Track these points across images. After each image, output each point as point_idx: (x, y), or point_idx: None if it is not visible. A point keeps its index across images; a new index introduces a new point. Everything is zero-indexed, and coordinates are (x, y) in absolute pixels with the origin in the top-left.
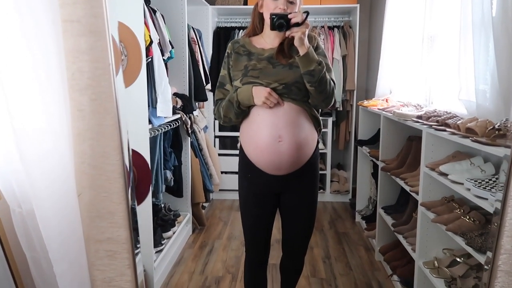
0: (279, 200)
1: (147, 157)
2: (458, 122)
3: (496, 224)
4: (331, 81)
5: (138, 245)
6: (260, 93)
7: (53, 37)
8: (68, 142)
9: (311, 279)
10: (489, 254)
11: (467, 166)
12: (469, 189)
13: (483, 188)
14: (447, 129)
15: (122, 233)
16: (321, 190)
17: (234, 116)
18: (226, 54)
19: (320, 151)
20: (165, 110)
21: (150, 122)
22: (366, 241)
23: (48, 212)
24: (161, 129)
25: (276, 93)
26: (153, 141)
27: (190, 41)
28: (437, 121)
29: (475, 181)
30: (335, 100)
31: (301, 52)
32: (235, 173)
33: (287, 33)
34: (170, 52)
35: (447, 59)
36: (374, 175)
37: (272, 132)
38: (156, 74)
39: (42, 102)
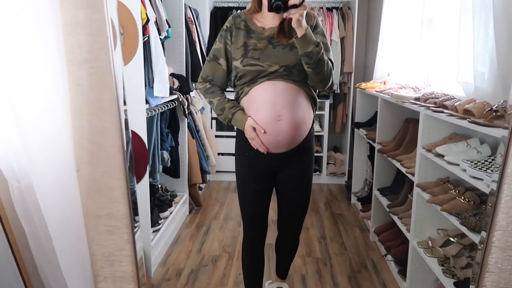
0: (275, 179)
1: (144, 137)
2: (456, 104)
3: (490, 205)
4: (329, 62)
5: (137, 220)
6: (248, 133)
7: (49, 9)
8: (67, 117)
9: (307, 258)
10: (484, 234)
11: (463, 148)
12: (464, 170)
13: (479, 169)
14: (445, 111)
15: (122, 208)
16: (317, 172)
17: (220, 119)
18: (224, 27)
19: (317, 133)
20: (162, 90)
21: (147, 102)
22: (361, 222)
23: (47, 188)
24: (158, 109)
25: (277, 75)
26: (150, 121)
27: (187, 21)
28: (435, 103)
29: (471, 162)
30: (332, 82)
31: (299, 33)
32: (232, 154)
33: (285, 14)
34: (167, 31)
35: (446, 41)
36: (370, 157)
37: (272, 112)
38: (153, 53)
39: (40, 76)
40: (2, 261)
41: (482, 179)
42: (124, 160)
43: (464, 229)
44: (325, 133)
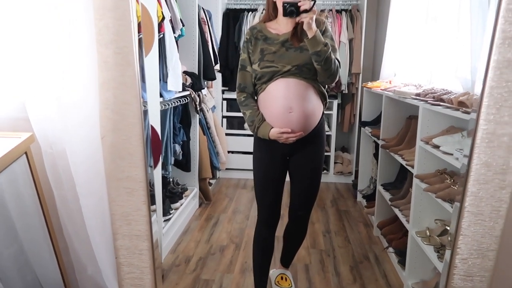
0: (289, 162)
1: (158, 128)
2: (452, 97)
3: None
4: (336, 60)
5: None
6: (274, 135)
7: None
8: (95, 90)
9: (311, 250)
10: (458, 203)
11: (458, 138)
12: (457, 158)
13: None
14: (442, 104)
15: (139, 172)
16: (325, 171)
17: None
18: (245, 39)
19: (326, 133)
20: (175, 85)
21: (161, 95)
22: (366, 218)
23: (77, 153)
24: (171, 104)
25: (289, 73)
26: (163, 114)
27: (200, 21)
28: (433, 97)
29: (462, 150)
30: (340, 83)
31: (309, 35)
32: (242, 153)
33: (297, 19)
34: (181, 30)
35: (447, 39)
36: (376, 155)
37: (284, 104)
38: (168, 50)
39: (74, 55)
40: (34, 223)
41: None
42: (142, 129)
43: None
44: (333, 133)
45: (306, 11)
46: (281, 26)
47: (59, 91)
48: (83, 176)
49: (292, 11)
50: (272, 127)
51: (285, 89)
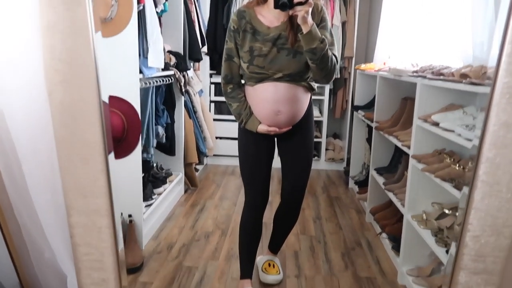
0: (278, 144)
1: (137, 106)
2: (453, 70)
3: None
4: (333, 58)
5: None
6: (262, 131)
7: None
8: (37, 36)
9: (301, 236)
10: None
11: (459, 115)
12: (459, 135)
13: (474, 131)
14: (442, 78)
15: (96, 135)
16: (316, 158)
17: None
18: (232, 27)
19: (316, 119)
20: (157, 61)
21: (140, 72)
22: (358, 205)
23: (17, 113)
24: (153, 82)
25: (280, 79)
26: (144, 93)
27: (186, 0)
28: (432, 73)
29: (466, 126)
30: None
31: (304, 30)
32: (230, 138)
33: (290, 12)
34: (164, 5)
35: (446, 12)
36: (369, 140)
37: (272, 107)
38: (148, 23)
39: None
40: None
41: None
42: (97, 79)
43: (456, 193)
44: (324, 119)
45: (300, 3)
46: (272, 14)
47: None
48: (26, 141)
49: (285, 3)
50: (260, 123)
51: (274, 93)
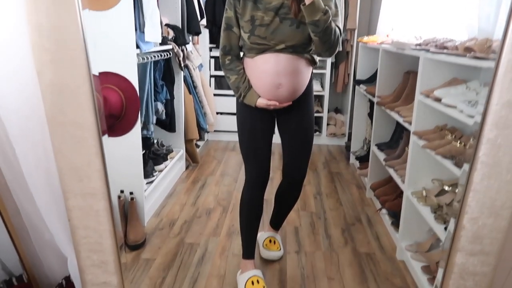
0: (277, 120)
1: (135, 82)
2: (457, 43)
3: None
4: (337, 30)
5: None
6: (262, 105)
7: None
8: (22, 12)
9: (301, 212)
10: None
11: (462, 90)
12: (462, 111)
13: (476, 107)
14: (445, 52)
15: (88, 116)
16: (317, 133)
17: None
18: None
19: (317, 93)
20: (154, 35)
21: (137, 47)
22: (359, 180)
23: (5, 93)
24: (151, 57)
25: (282, 50)
26: (142, 69)
27: None
28: (436, 46)
29: (469, 102)
30: None
31: (307, 1)
32: (231, 114)
33: None
34: None
35: None
36: (371, 115)
37: (273, 80)
38: None
39: None
40: None
41: None
42: (87, 58)
43: (456, 170)
44: (326, 94)
45: None
46: None
47: None
48: (17, 122)
49: None
50: (259, 96)
51: (275, 65)
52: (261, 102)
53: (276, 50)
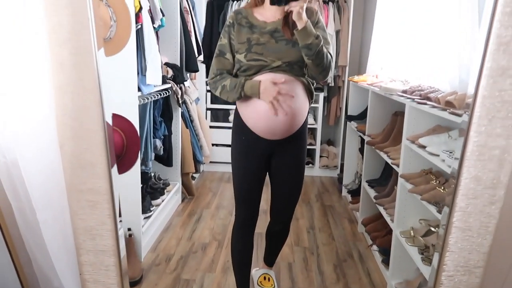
0: (269, 164)
1: (136, 124)
2: (439, 96)
3: (453, 185)
4: (329, 55)
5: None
6: (269, 93)
7: None
8: (50, 95)
9: (294, 247)
10: (446, 209)
11: (445, 139)
12: (443, 160)
13: (456, 158)
14: (428, 103)
15: (103, 184)
16: (310, 165)
17: (232, 99)
18: (227, 23)
19: (311, 126)
20: (155, 78)
21: (139, 89)
22: (350, 214)
23: (32, 163)
24: (151, 97)
25: (279, 69)
26: (143, 109)
27: (182, 11)
28: (420, 95)
29: (450, 152)
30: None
31: (299, 26)
32: (226, 145)
33: (286, 7)
34: (161, 20)
35: (435, 34)
36: (362, 150)
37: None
38: (146, 42)
39: (24, 56)
40: None
41: None
42: (105, 137)
43: (440, 217)
44: (318, 126)
45: None
46: (269, 13)
47: (6, 95)
48: (39, 188)
49: None
50: (261, 80)
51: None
52: (266, 82)
53: (272, 68)
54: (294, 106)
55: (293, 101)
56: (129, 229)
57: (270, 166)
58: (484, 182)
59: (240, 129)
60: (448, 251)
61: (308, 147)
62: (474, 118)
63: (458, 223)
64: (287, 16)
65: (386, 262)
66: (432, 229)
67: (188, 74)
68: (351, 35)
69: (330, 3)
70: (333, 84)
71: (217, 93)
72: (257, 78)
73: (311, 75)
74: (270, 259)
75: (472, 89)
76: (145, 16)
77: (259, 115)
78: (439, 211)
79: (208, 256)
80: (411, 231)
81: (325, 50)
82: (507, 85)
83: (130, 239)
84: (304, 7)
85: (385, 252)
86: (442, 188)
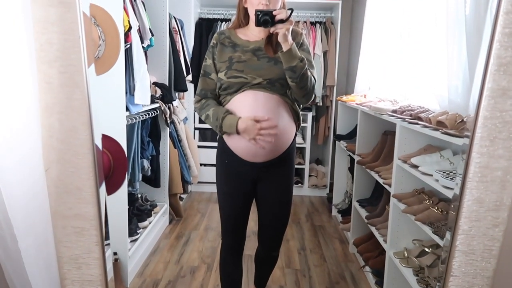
0: (255, 189)
1: (123, 144)
2: (430, 116)
3: (453, 212)
4: (312, 78)
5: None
6: (250, 132)
7: (20, 6)
8: (36, 115)
9: (286, 269)
10: (448, 235)
11: (437, 159)
12: (437, 180)
13: (450, 179)
14: (420, 123)
15: (90, 209)
16: (299, 184)
17: (214, 129)
18: (211, 43)
19: (299, 145)
20: (143, 98)
21: (127, 109)
22: (341, 234)
23: (13, 186)
24: (139, 117)
25: (260, 86)
26: (130, 129)
27: (171, 30)
28: (411, 115)
29: (443, 172)
30: (315, 96)
31: (284, 48)
32: (215, 165)
33: (272, 29)
34: (150, 40)
35: (423, 55)
36: (351, 169)
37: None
38: (135, 61)
39: (9, 73)
40: None
41: (453, 189)
42: (94, 161)
43: (436, 238)
44: (307, 146)
45: (282, 21)
46: (252, 33)
47: None
48: (22, 213)
49: (267, 20)
50: (240, 117)
51: (253, 102)
52: (244, 119)
53: (253, 86)
54: (278, 123)
55: (275, 119)
56: (115, 253)
57: (256, 192)
58: (487, 204)
59: (223, 151)
60: (452, 275)
61: (296, 166)
62: (475, 139)
63: (461, 247)
64: (270, 35)
65: (379, 284)
66: (426, 249)
67: (176, 94)
68: (338, 55)
69: (318, 25)
70: (321, 104)
71: (203, 119)
72: (237, 99)
73: (294, 98)
74: (260, 283)
75: (469, 110)
76: (134, 36)
77: (239, 136)
78: (435, 232)
79: (197, 280)
80: (405, 252)
81: (309, 73)
82: (508, 106)
83: (116, 264)
84: (290, 29)
85: (379, 274)
86: (436, 208)
